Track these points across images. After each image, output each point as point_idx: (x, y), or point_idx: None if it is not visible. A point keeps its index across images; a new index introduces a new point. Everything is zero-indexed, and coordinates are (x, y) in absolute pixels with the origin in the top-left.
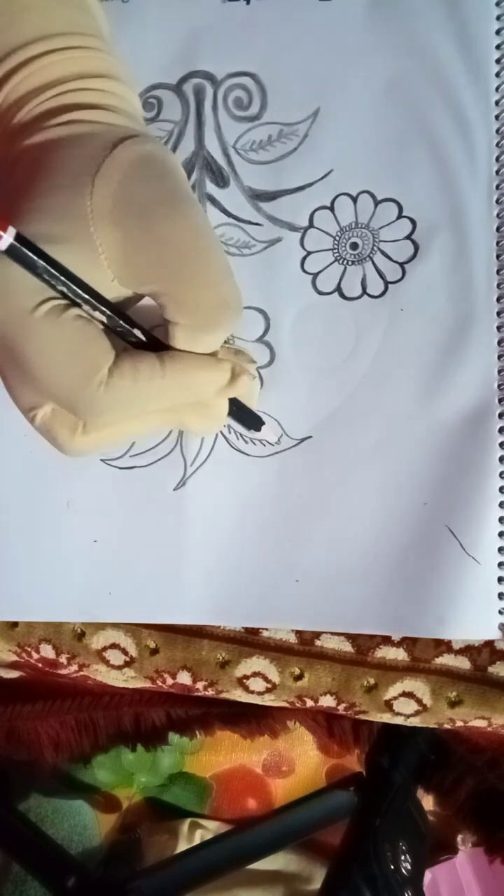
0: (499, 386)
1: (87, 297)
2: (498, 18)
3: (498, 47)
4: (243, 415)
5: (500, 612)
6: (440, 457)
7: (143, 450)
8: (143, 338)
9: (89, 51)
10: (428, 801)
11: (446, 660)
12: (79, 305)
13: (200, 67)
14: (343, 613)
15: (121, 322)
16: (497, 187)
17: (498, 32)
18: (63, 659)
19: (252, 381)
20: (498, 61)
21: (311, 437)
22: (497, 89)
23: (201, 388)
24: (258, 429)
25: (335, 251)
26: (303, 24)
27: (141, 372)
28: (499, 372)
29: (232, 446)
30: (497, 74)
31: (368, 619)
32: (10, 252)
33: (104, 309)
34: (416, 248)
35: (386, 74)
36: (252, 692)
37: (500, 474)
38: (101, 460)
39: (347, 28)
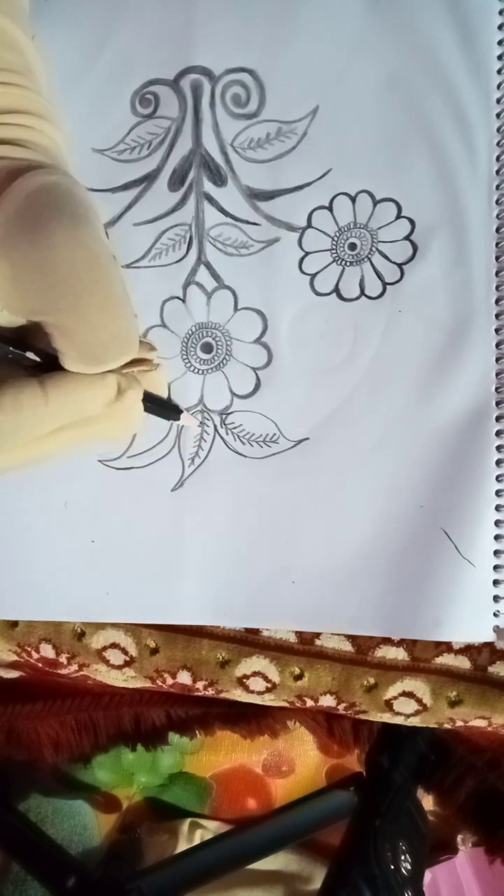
0: (496, 389)
1: None
2: (500, 13)
3: (500, 44)
4: (158, 408)
5: (494, 615)
6: (437, 459)
7: (141, 451)
8: (37, 359)
9: (9, 87)
10: (428, 801)
11: (446, 659)
12: None
13: (198, 63)
14: (339, 615)
15: (10, 349)
16: (497, 187)
17: (500, 28)
18: (63, 659)
19: (157, 372)
20: (500, 58)
21: (308, 438)
22: (498, 87)
23: (86, 408)
24: (177, 418)
25: (333, 252)
26: (301, 21)
27: (23, 402)
28: (496, 375)
29: (229, 448)
30: (499, 72)
31: (364, 620)
32: None
33: None
34: (415, 248)
35: (386, 72)
36: (252, 692)
37: (497, 477)
38: (99, 461)
39: (347, 24)
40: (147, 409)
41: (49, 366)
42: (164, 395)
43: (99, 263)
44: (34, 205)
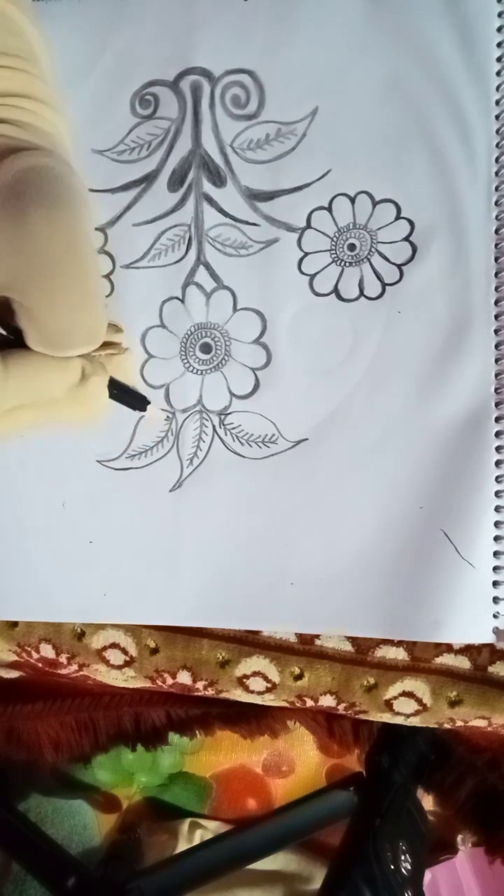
0: (495, 390)
1: None
2: (500, 16)
3: (499, 45)
4: (124, 396)
5: (494, 616)
6: (436, 460)
7: (139, 451)
8: (3, 332)
9: (13, 71)
10: (428, 801)
11: (446, 659)
12: None
13: (198, 64)
14: (338, 616)
15: None
16: (496, 189)
17: (499, 30)
18: (63, 659)
19: (125, 357)
20: (499, 60)
21: (307, 439)
22: (498, 89)
23: (47, 390)
24: (143, 409)
25: (332, 252)
26: (301, 22)
27: None
28: (496, 376)
29: (228, 448)
30: (498, 73)
31: (363, 622)
32: None
33: None
34: (414, 249)
35: (385, 73)
36: (252, 692)
37: (497, 478)
38: (97, 461)
39: (346, 26)
40: (112, 397)
41: (16, 343)
42: (132, 381)
43: (74, 250)
44: (21, 182)
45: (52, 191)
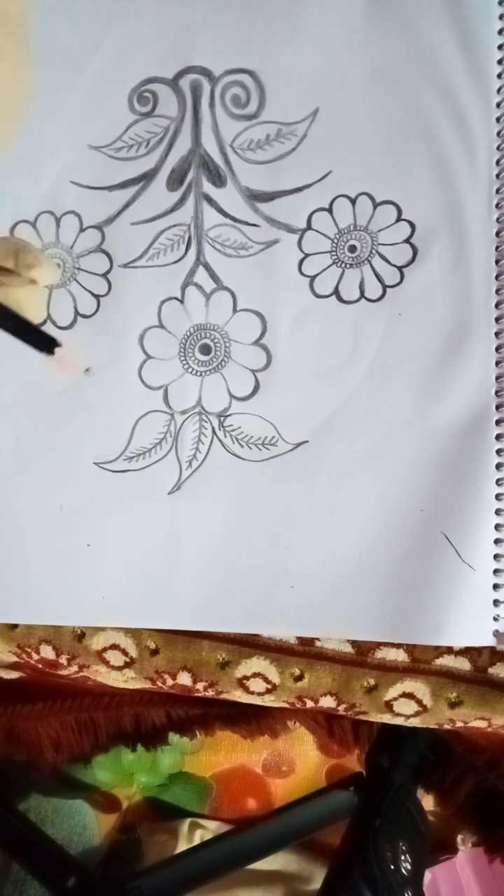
0: (496, 392)
1: None
2: (501, 18)
3: (500, 48)
4: (24, 331)
5: (494, 619)
6: (437, 463)
7: (137, 453)
8: None
9: None
10: (428, 801)
11: (446, 661)
12: None
13: (197, 63)
14: (338, 620)
15: None
16: (497, 191)
17: (500, 32)
18: (63, 660)
19: (31, 292)
20: (500, 62)
21: (307, 441)
22: (499, 91)
23: None
24: (49, 351)
25: (333, 254)
26: (301, 22)
27: None
28: (496, 378)
29: (228, 450)
30: (499, 76)
31: (364, 625)
32: None
33: None
34: (415, 251)
35: (385, 74)
36: (252, 693)
37: (497, 481)
38: (95, 463)
39: (347, 27)
40: (8, 330)
41: None
42: (39, 321)
43: None
44: None
45: None
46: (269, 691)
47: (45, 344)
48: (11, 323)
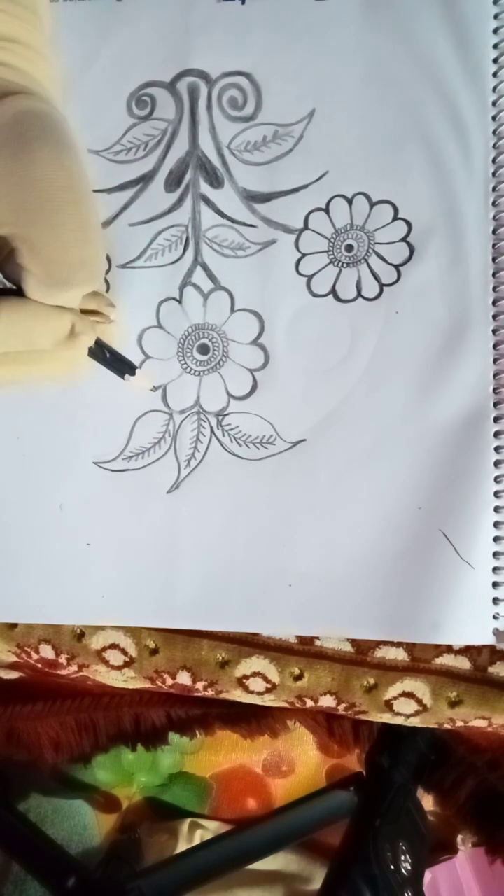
0: (494, 390)
1: None
2: (496, 17)
3: (495, 47)
4: (110, 360)
5: (494, 617)
6: (435, 461)
7: (136, 452)
8: (3, 281)
9: (10, 15)
10: (428, 801)
11: (446, 660)
12: None
13: (195, 66)
14: (336, 618)
15: None
16: (493, 189)
17: (495, 32)
18: (63, 659)
19: (109, 328)
20: (495, 61)
21: (305, 440)
22: (494, 89)
23: (35, 339)
24: (132, 373)
25: (330, 253)
26: (298, 24)
27: None
28: (494, 376)
29: (226, 449)
30: (494, 74)
31: (362, 623)
32: None
33: None
34: (412, 250)
35: (381, 75)
36: (252, 692)
37: (495, 478)
38: (94, 463)
39: (343, 28)
40: (99, 360)
41: (13, 293)
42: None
43: (77, 187)
44: (21, 123)
45: (54, 131)
46: (268, 691)
47: (130, 368)
48: (104, 351)
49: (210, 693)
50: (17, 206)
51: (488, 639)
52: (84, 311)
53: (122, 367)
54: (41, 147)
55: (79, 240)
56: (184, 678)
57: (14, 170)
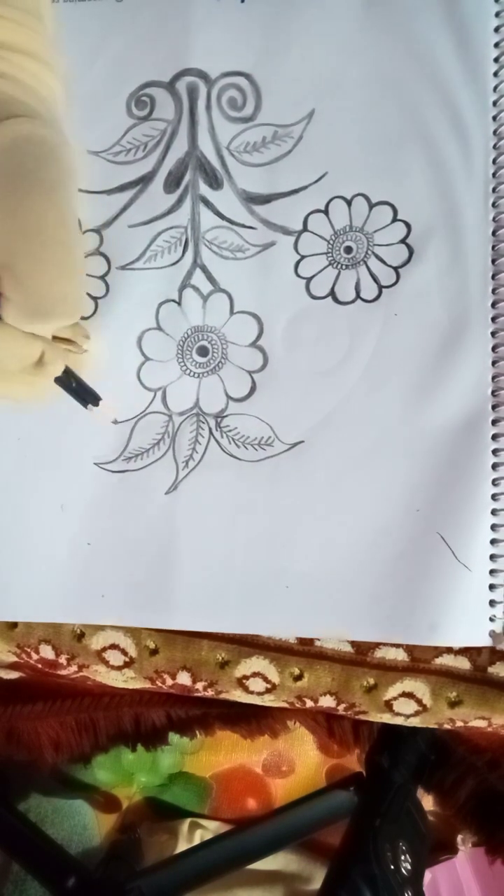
0: (492, 392)
1: None
2: (497, 15)
3: (496, 46)
4: (77, 388)
5: (490, 619)
6: (433, 463)
7: (136, 453)
8: None
9: (13, 23)
10: (428, 801)
11: (446, 660)
12: None
13: (194, 65)
14: (334, 620)
15: None
16: (493, 190)
17: (496, 30)
18: (63, 660)
19: (81, 357)
20: (496, 61)
21: (303, 441)
22: (495, 89)
23: (4, 361)
24: (95, 404)
25: (329, 255)
26: (297, 25)
27: None
28: (492, 378)
29: (224, 451)
30: (495, 74)
31: (360, 625)
32: None
33: None
34: (411, 252)
35: (381, 75)
36: (252, 692)
37: (493, 481)
38: (95, 464)
39: (342, 28)
40: (65, 387)
41: None
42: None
43: (66, 224)
44: (19, 151)
45: (51, 165)
46: (268, 691)
47: (93, 400)
48: (71, 380)
49: (210, 693)
50: (5, 235)
51: (484, 640)
52: (59, 338)
53: (87, 396)
54: (36, 181)
55: (63, 275)
56: (184, 678)
57: (7, 200)
